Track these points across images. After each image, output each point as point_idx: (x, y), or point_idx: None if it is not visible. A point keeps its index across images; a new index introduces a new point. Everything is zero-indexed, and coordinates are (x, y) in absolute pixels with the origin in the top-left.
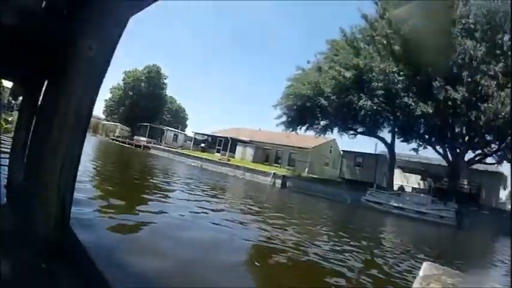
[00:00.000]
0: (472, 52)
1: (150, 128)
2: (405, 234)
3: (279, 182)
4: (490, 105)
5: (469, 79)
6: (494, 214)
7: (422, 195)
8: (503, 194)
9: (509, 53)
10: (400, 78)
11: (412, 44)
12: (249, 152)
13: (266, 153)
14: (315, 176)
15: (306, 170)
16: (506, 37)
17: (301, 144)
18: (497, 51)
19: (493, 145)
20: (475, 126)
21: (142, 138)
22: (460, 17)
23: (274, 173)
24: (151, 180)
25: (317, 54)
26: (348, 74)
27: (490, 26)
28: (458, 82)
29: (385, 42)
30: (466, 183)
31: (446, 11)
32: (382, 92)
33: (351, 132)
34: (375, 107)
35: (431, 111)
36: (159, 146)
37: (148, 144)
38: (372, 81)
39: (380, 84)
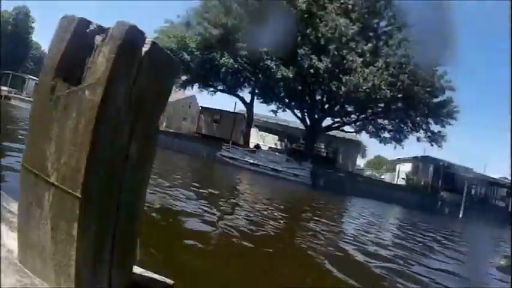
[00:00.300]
0: (343, 29)
1: (13, 76)
2: (261, 187)
3: None
4: (352, 78)
5: (335, 52)
6: (349, 177)
7: (277, 153)
8: (360, 161)
9: (510, 52)
10: (266, 41)
11: (284, 11)
12: None
13: None
14: (172, 131)
15: (164, 124)
16: (383, 23)
17: None
18: (370, 34)
19: (352, 115)
20: (336, 96)
21: (3, 88)
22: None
23: None
24: None
25: (188, 10)
26: (214, 32)
27: (368, 10)
28: (325, 54)
29: (257, 5)
30: (323, 147)
31: None
32: (246, 52)
33: (211, 89)
34: (236, 66)
35: (291, 75)
36: (20, 96)
37: (9, 94)
38: (237, 41)
39: (245, 45)
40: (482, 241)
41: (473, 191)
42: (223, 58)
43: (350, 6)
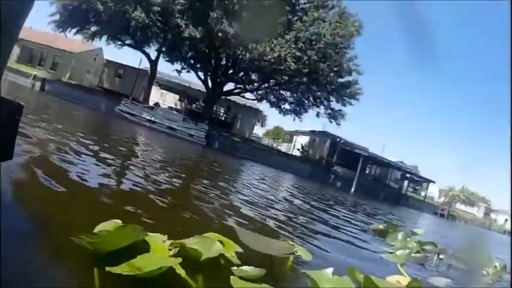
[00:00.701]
0: None
1: None
2: (155, 143)
3: (38, 84)
4: (258, 47)
5: (248, 20)
6: (244, 143)
7: (175, 112)
8: (260, 130)
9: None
10: (182, 1)
11: None
12: (15, 51)
13: (32, 54)
14: (74, 83)
15: (67, 75)
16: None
17: (67, 48)
18: (287, 7)
19: (255, 83)
20: (240, 62)
21: None
22: None
23: (34, 75)
24: None
25: None
26: None
27: None
28: (237, 20)
29: None
30: (222, 111)
31: None
32: (159, 9)
33: (119, 42)
34: (147, 21)
35: (198, 36)
36: None
37: None
38: None
39: (160, 0)
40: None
41: (367, 170)
42: (136, 12)
43: None
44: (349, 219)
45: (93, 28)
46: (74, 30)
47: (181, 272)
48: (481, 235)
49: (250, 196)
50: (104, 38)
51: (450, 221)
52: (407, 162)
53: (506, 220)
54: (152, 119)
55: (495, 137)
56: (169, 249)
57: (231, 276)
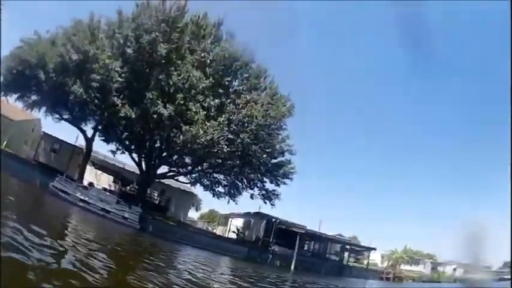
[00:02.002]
0: (195, 81)
1: None
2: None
3: None
4: (192, 129)
5: (182, 102)
6: (179, 226)
7: (108, 193)
8: (195, 214)
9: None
10: (120, 79)
11: (145, 55)
12: None
13: None
14: (11, 151)
15: (5, 143)
16: (235, 82)
17: (8, 114)
18: (220, 90)
19: (189, 167)
20: (174, 145)
21: None
22: (200, 52)
23: None
24: None
25: (58, 28)
26: (74, 57)
27: (224, 68)
28: (171, 102)
29: (121, 41)
30: (156, 194)
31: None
32: (98, 85)
33: (57, 116)
34: (85, 96)
35: (134, 116)
36: None
37: None
38: (93, 71)
39: (98, 77)
40: None
41: (306, 246)
42: (75, 86)
43: (208, 61)
44: None
45: (34, 97)
46: (16, 95)
47: None
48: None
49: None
50: (43, 109)
51: (396, 283)
52: (346, 234)
53: (455, 269)
54: (86, 199)
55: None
56: None
57: None
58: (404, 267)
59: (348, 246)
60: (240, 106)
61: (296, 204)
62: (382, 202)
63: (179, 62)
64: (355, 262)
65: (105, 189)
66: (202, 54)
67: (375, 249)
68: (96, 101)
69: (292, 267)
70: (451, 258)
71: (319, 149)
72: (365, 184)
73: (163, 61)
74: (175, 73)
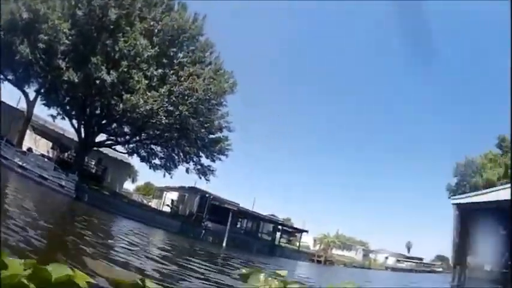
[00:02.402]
0: (140, 49)
1: None
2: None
3: None
4: (132, 98)
5: (125, 69)
6: (113, 197)
7: (46, 160)
8: (131, 186)
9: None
10: (67, 41)
11: (94, 19)
12: None
13: None
14: None
15: None
16: (181, 54)
17: None
18: (165, 61)
19: (127, 136)
20: (114, 113)
21: None
22: (150, 20)
23: None
24: None
25: None
26: (24, 15)
27: (171, 38)
28: (115, 68)
29: (73, 3)
30: (93, 163)
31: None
32: (44, 46)
33: (1, 76)
34: (30, 57)
35: (76, 80)
36: None
37: None
38: (41, 31)
39: (46, 37)
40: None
41: (239, 224)
42: (22, 45)
43: (156, 31)
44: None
45: None
46: None
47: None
48: (355, 273)
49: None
50: None
51: (328, 266)
52: (280, 215)
53: (387, 257)
54: (24, 165)
55: (368, 183)
56: (24, 269)
57: None
58: (336, 251)
59: (280, 227)
60: (183, 78)
61: (232, 183)
62: (320, 186)
63: (128, 28)
64: (287, 243)
65: (43, 155)
66: (152, 23)
67: (307, 231)
68: (41, 62)
69: (224, 243)
70: (384, 247)
71: (264, 128)
72: (306, 166)
73: (112, 26)
74: (122, 39)
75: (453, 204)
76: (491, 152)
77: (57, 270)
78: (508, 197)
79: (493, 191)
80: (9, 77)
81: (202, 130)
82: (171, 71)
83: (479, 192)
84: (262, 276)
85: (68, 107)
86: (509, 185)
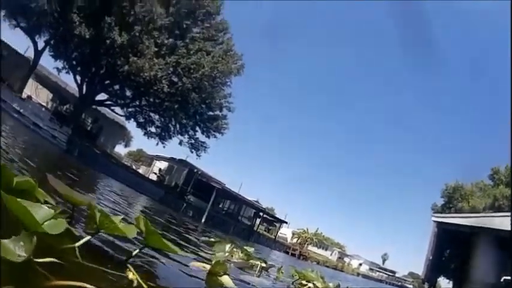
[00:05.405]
0: (155, 16)
1: None
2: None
3: None
4: (138, 61)
5: (137, 34)
6: (103, 157)
7: (44, 109)
8: (122, 150)
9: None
10: None
11: None
12: None
13: None
14: None
15: None
16: (195, 29)
17: None
18: (177, 32)
19: (128, 100)
20: (119, 74)
21: None
22: None
23: None
24: None
25: None
26: None
27: (187, 11)
28: (127, 31)
29: None
30: (89, 121)
31: None
32: None
33: (14, 21)
34: (46, 7)
35: (87, 37)
36: None
37: None
38: None
39: None
40: None
41: (221, 204)
42: None
43: (174, 1)
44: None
45: None
46: None
47: None
48: (326, 271)
49: None
50: (2, 12)
51: (301, 261)
52: (264, 203)
53: (360, 264)
54: (21, 111)
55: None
56: None
57: None
58: (312, 248)
59: (261, 214)
60: (192, 52)
61: (224, 163)
62: (310, 185)
63: None
64: (265, 231)
65: (41, 105)
66: None
67: (286, 222)
68: (55, 14)
69: (203, 219)
70: (360, 253)
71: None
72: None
73: None
74: (139, 4)
75: (434, 221)
76: (483, 182)
77: (22, 181)
78: (490, 226)
79: (476, 217)
80: (22, 24)
81: (203, 105)
82: (182, 43)
83: (462, 215)
84: (228, 246)
85: (74, 62)
86: (493, 214)
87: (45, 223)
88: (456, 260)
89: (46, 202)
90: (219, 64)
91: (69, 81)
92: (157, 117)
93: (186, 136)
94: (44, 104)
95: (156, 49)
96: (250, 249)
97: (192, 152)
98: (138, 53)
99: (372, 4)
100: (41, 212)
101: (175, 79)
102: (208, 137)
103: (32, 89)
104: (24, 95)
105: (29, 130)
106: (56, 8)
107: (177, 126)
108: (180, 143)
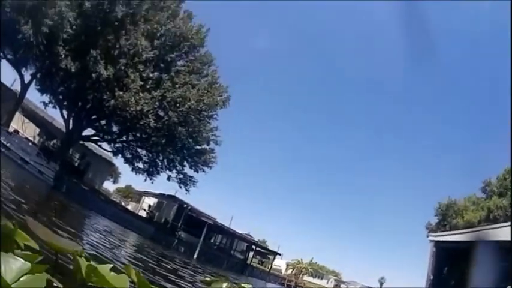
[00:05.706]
0: (140, 50)
1: None
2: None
3: None
4: (124, 95)
5: (123, 67)
6: (91, 193)
7: (30, 144)
8: (110, 186)
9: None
10: (70, 31)
11: (100, 13)
12: None
13: None
14: None
15: None
16: (180, 62)
17: None
18: (162, 65)
19: (114, 135)
20: (105, 109)
21: None
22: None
23: None
24: None
25: None
26: None
27: (172, 45)
28: (113, 64)
29: None
30: (77, 157)
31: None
32: (47, 31)
33: (0, 53)
34: (32, 39)
35: (73, 70)
36: None
37: None
38: (47, 16)
39: (51, 23)
40: None
41: (213, 239)
42: (26, 26)
43: (158, 34)
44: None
45: None
46: None
47: None
48: None
49: None
50: None
51: None
52: (256, 236)
53: None
54: (8, 145)
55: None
56: None
57: None
58: (308, 278)
59: (254, 247)
60: (177, 85)
61: (214, 197)
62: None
63: (131, 27)
64: (259, 263)
65: (28, 139)
66: (155, 26)
67: (280, 254)
68: (41, 46)
69: (195, 255)
70: (356, 279)
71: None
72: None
73: (116, 23)
74: (124, 37)
75: (431, 241)
76: (475, 195)
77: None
78: (486, 239)
79: (472, 231)
80: (9, 56)
81: (190, 140)
82: (167, 77)
83: (458, 231)
84: (225, 285)
85: (60, 96)
86: (488, 227)
87: (21, 279)
88: (457, 276)
89: (27, 247)
90: (204, 97)
91: (56, 116)
92: (144, 152)
93: (174, 171)
94: (31, 138)
95: (141, 83)
96: (248, 286)
97: (180, 187)
98: (123, 87)
99: None
100: (15, 267)
101: (162, 113)
102: (196, 171)
103: (18, 123)
104: (10, 129)
105: (15, 165)
106: (42, 40)
107: (165, 161)
108: (169, 178)
